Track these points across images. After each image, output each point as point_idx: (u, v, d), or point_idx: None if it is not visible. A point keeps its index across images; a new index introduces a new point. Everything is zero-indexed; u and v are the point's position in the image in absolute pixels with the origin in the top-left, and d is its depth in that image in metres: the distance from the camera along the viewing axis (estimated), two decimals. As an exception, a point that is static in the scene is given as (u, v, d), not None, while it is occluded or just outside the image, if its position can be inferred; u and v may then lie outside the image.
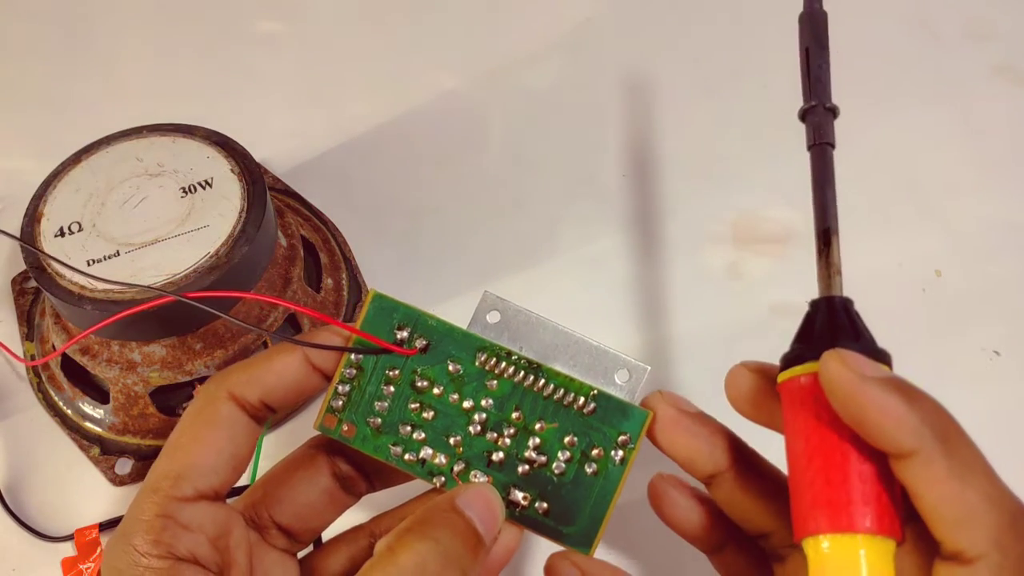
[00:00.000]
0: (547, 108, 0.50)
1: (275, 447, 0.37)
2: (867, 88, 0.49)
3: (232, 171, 0.37)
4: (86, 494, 0.37)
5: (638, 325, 0.41)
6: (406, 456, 0.27)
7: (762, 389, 0.26)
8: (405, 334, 0.27)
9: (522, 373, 0.27)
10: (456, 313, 0.28)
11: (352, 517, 0.29)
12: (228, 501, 0.26)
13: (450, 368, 0.27)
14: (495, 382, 0.27)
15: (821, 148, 0.26)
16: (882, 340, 0.24)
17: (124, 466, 0.38)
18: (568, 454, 0.26)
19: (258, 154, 0.38)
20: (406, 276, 0.43)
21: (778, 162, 0.45)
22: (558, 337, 0.27)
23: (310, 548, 0.29)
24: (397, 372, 0.27)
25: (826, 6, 0.28)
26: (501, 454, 0.27)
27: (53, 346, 0.39)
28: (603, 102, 0.50)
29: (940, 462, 0.21)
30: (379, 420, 0.27)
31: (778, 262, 0.43)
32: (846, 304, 0.24)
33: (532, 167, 0.47)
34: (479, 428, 0.27)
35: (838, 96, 0.27)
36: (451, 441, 0.27)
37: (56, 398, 0.39)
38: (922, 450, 0.21)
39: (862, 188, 0.44)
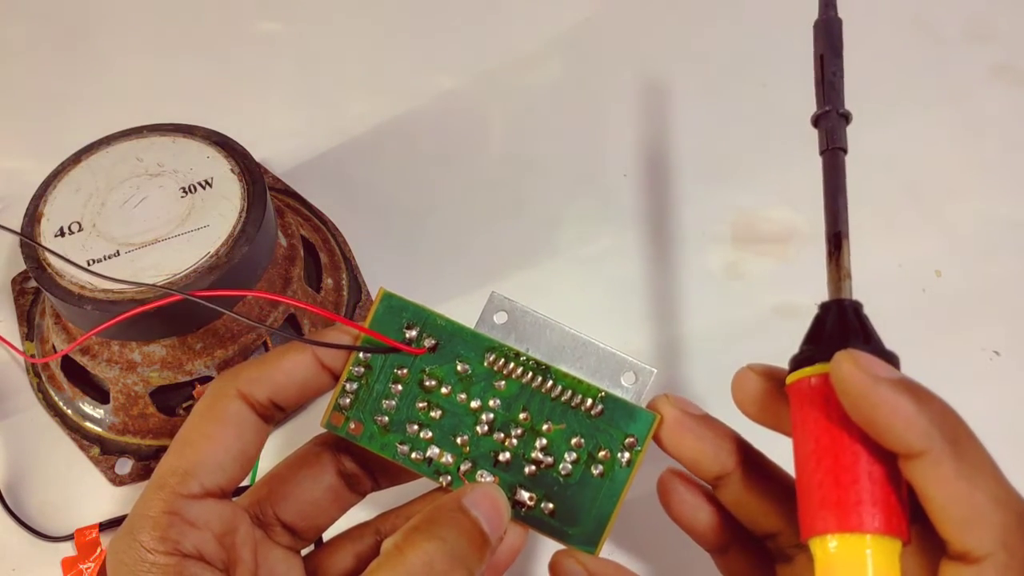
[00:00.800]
0: (547, 108, 0.50)
1: (279, 445, 0.37)
2: (867, 88, 0.48)
3: (232, 171, 0.37)
4: (86, 494, 0.37)
5: (638, 325, 0.41)
6: (413, 455, 0.27)
7: (768, 392, 0.26)
8: (414, 333, 0.27)
9: (530, 374, 0.27)
10: (457, 313, 0.28)
11: (356, 515, 0.29)
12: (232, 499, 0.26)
13: (458, 368, 0.27)
14: (503, 383, 0.27)
15: (833, 153, 0.26)
16: (883, 340, 0.24)
17: (124, 466, 0.38)
18: (575, 455, 0.26)
19: (258, 154, 0.38)
20: (406, 276, 0.43)
21: (779, 162, 0.45)
22: (565, 339, 0.27)
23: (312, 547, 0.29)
24: (405, 371, 0.27)
25: (826, 6, 0.28)
26: (508, 454, 0.27)
27: (53, 346, 0.39)
28: (604, 102, 0.50)
29: (949, 463, 0.21)
30: (386, 418, 0.27)
31: (779, 262, 0.43)
32: (856, 307, 0.25)
33: (532, 167, 0.47)
34: (486, 428, 0.27)
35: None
36: (458, 440, 0.27)
37: (56, 398, 0.39)
38: (931, 451, 0.21)
39: (862, 188, 0.43)
